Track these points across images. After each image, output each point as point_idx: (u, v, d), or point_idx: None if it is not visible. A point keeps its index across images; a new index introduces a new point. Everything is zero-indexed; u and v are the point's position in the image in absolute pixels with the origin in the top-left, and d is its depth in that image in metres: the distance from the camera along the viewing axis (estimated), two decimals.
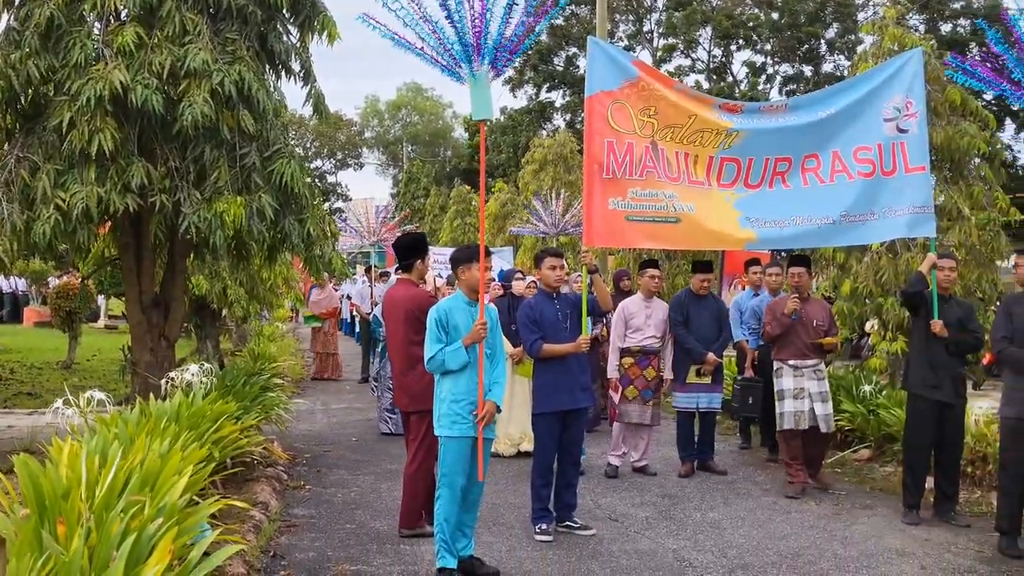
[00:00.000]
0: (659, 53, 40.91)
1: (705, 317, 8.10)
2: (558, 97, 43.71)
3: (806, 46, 39.82)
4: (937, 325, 6.50)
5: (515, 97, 70.80)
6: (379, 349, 10.40)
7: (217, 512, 5.34)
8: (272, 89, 8.30)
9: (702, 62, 42.09)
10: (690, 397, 8.11)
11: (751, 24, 39.71)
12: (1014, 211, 10.02)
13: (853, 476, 7.99)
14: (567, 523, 6.30)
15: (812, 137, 7.03)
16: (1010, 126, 40.39)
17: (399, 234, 11.60)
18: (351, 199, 55.79)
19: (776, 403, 7.56)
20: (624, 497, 7.28)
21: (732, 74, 42.17)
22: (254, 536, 5.66)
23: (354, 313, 18.50)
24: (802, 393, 7.41)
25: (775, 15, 39.82)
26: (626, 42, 41.04)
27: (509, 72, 40.83)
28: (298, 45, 8.54)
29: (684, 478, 7.98)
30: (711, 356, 7.96)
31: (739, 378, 8.91)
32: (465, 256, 5.45)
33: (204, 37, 7.44)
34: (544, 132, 40.30)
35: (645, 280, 8.13)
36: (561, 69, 42.40)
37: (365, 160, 68.78)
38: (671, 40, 40.85)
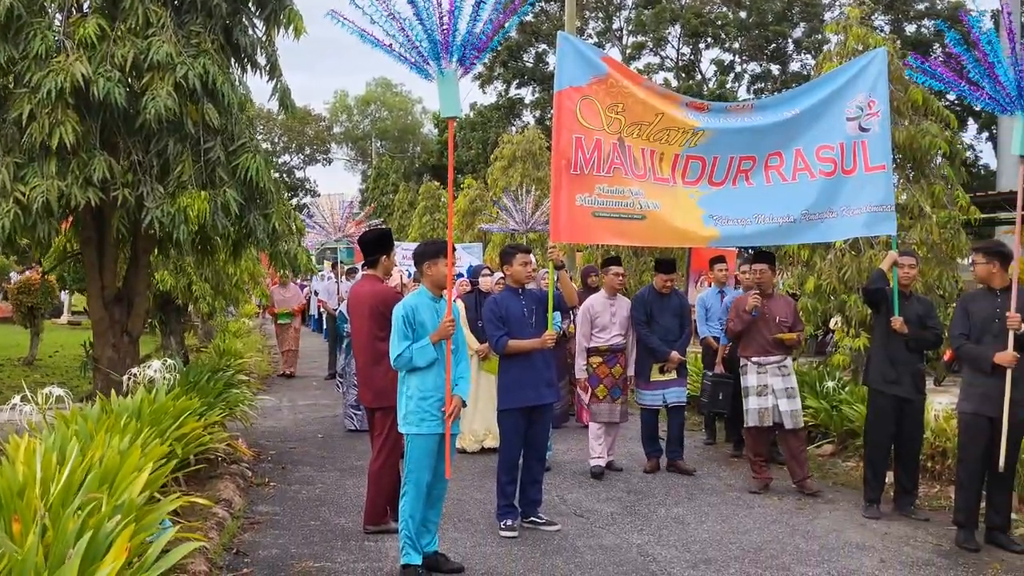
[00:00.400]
0: (628, 50, 41.04)
1: (668, 315, 8.05)
2: (528, 93, 43.78)
3: (774, 45, 40.13)
4: (897, 322, 6.57)
5: (485, 93, 70.71)
6: (344, 345, 10.36)
7: (180, 510, 5.32)
8: (237, 83, 8.24)
9: (671, 60, 42.29)
10: (655, 394, 8.08)
11: (719, 23, 39.94)
12: (974, 210, 10.16)
13: (816, 471, 8.05)
14: (532, 519, 6.30)
15: (776, 136, 7.08)
16: (972, 126, 41.03)
17: (365, 230, 11.53)
18: (319, 194, 55.55)
19: (743, 400, 7.57)
20: (589, 493, 7.31)
21: (701, 72, 42.41)
22: (217, 533, 5.62)
23: (321, 310, 18.44)
24: (766, 390, 7.39)
25: (743, 14, 40.07)
26: (596, 39, 41.11)
27: (479, 68, 40.84)
28: (264, 39, 8.48)
29: (649, 474, 8.00)
30: (674, 354, 7.92)
31: (709, 374, 8.91)
32: (431, 252, 5.39)
33: (168, 30, 7.37)
34: (513, 128, 40.33)
35: (609, 278, 8.09)
36: (531, 66, 42.41)
37: (334, 156, 68.45)
38: (640, 38, 41.00)
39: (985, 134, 40.47)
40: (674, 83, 39.79)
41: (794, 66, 39.55)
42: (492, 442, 8.62)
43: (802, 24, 39.29)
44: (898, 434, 6.72)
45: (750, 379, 7.48)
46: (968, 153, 39.50)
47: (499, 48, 40.11)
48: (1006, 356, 5.78)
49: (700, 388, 9.04)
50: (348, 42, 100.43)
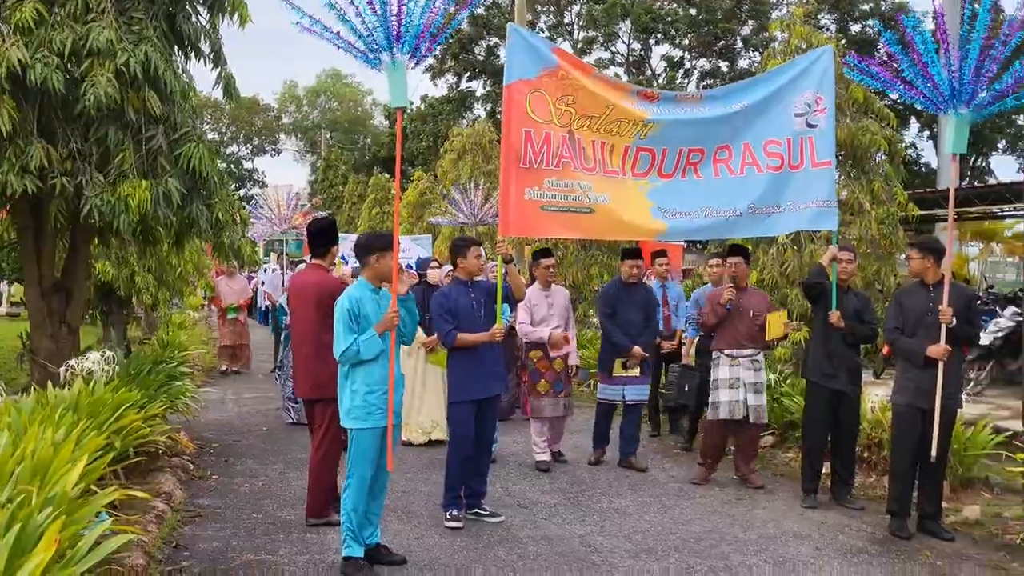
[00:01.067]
0: (579, 45, 41.09)
1: (633, 308, 7.97)
2: (479, 87, 43.66)
3: (722, 42, 40.48)
4: (834, 316, 6.68)
5: (435, 86, 70.71)
6: (283, 337, 10.26)
7: (118, 503, 5.26)
8: (180, 71, 8.10)
9: (621, 55, 42.46)
10: (615, 389, 8.00)
11: (670, 19, 40.17)
12: (912, 206, 10.39)
13: (757, 462, 8.17)
14: (476, 510, 6.33)
15: (725, 129, 7.13)
16: (914, 125, 41.86)
17: (314, 219, 11.39)
18: (267, 185, 54.94)
19: (712, 393, 7.53)
20: (533, 484, 7.35)
21: (651, 68, 42.65)
22: (156, 527, 5.56)
23: (267, 302, 18.23)
24: (737, 383, 7.37)
25: (693, 11, 40.35)
26: (547, 33, 41.06)
27: (430, 60, 40.63)
28: (208, 26, 8.34)
29: (594, 465, 8.04)
30: (636, 349, 7.82)
31: (676, 366, 8.91)
32: (379, 245, 5.35)
33: (108, 16, 7.22)
34: (464, 121, 40.23)
35: (540, 270, 8.01)
36: (482, 59, 42.28)
37: (283, 146, 67.65)
38: (591, 32, 41.08)
39: (927, 133, 41.33)
40: (624, 78, 39.92)
41: (742, 63, 39.95)
42: (439, 434, 8.62)
43: (750, 22, 39.70)
44: (835, 426, 6.87)
45: (722, 371, 7.43)
46: (910, 151, 40.34)
47: (450, 41, 39.97)
48: (938, 349, 5.90)
49: (665, 380, 8.99)
50: (297, 32, 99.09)
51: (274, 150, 66.75)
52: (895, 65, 6.14)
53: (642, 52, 42.45)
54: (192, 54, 8.42)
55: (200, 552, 5.44)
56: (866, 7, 37.91)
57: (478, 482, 6.39)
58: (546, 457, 7.94)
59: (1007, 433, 7.53)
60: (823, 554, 5.67)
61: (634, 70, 41.19)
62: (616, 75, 39.49)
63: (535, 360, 7.88)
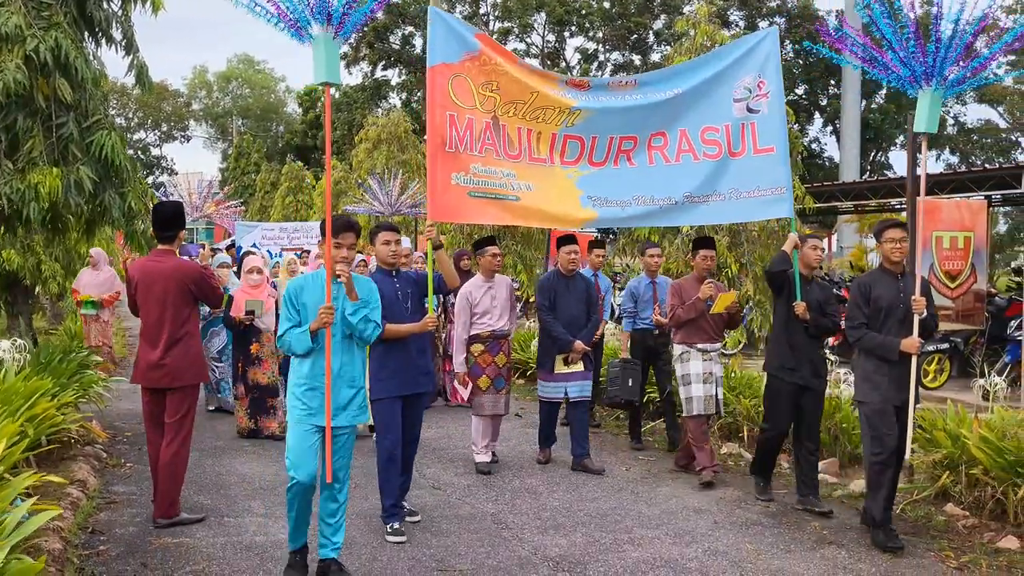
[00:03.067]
0: (495, 36, 41.34)
1: (573, 300, 7.59)
2: (394, 75, 43.57)
3: (635, 36, 41.24)
4: (800, 307, 6.31)
5: (350, 74, 69.96)
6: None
7: (31, 490, 5.27)
8: (92, 58, 8.05)
9: (536, 47, 42.87)
10: (557, 386, 7.59)
11: (584, 12, 40.73)
12: (809, 199, 10.91)
13: (662, 442, 8.54)
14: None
15: (660, 115, 6.94)
16: (818, 120, 43.32)
17: (162, 203, 11.15)
18: (177, 173, 53.78)
19: (682, 388, 7.21)
20: (448, 468, 7.55)
21: (565, 60, 43.15)
22: (72, 513, 5.59)
23: None
24: (710, 378, 7.16)
25: (607, 4, 41.00)
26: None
27: (345, 48, 40.37)
28: (120, 13, 8.30)
29: (542, 465, 7.70)
30: (578, 344, 7.44)
31: (617, 360, 8.41)
32: (322, 230, 5.02)
33: (17, 1, 7.16)
34: (379, 110, 40.11)
35: (486, 259, 7.52)
36: (397, 47, 42.22)
37: (192, 133, 66.26)
38: (506, 24, 41.38)
39: (830, 128, 42.82)
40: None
41: (655, 56, 40.70)
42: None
43: (662, 16, 40.52)
44: (797, 421, 6.51)
45: (693, 366, 7.16)
46: (813, 146, 41.74)
47: (365, 28, 39.78)
48: (914, 343, 5.61)
49: (607, 375, 8.44)
50: (207, 17, 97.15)
51: (183, 137, 65.36)
52: (861, 42, 5.92)
53: (557, 44, 42.88)
54: (103, 41, 8.38)
55: (117, 537, 5.50)
56: (773, 4, 39.05)
57: (403, 478, 5.97)
58: (486, 459, 7.55)
59: None
60: (720, 527, 6.01)
61: (549, 62, 41.57)
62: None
63: (476, 355, 7.44)
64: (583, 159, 6.94)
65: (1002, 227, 38.71)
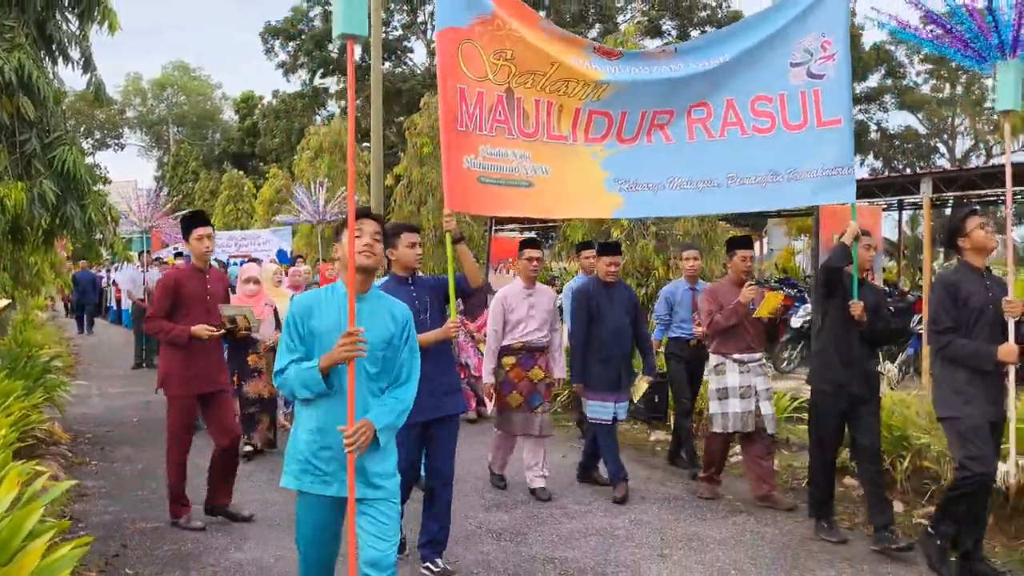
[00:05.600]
0: (433, 45, 41.80)
1: (618, 310, 6.81)
2: (333, 83, 43.70)
3: None
4: (857, 307, 5.54)
5: (288, 82, 69.58)
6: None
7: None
8: (52, 76, 8.44)
9: None
10: (605, 406, 6.75)
11: None
12: None
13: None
14: (429, 565, 5.08)
15: (702, 85, 6.04)
16: None
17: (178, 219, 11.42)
18: (111, 181, 53.01)
19: (716, 403, 6.59)
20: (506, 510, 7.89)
21: None
22: (47, 505, 6.01)
23: (121, 300, 18.17)
24: (750, 391, 6.49)
25: (543, 13, 41.77)
26: (400, 31, 41.61)
27: (281, 56, 40.52)
28: (78, 33, 8.70)
29: (621, 504, 6.65)
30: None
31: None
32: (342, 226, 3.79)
33: None
34: (318, 118, 40.32)
35: (522, 264, 6.84)
36: (336, 55, 42.39)
37: (127, 141, 65.45)
38: None
39: None
40: None
41: None
42: None
43: (597, 25, 41.41)
44: (853, 444, 5.80)
45: (730, 379, 6.54)
46: None
47: (303, 36, 40.04)
48: (1013, 350, 4.88)
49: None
50: (137, 25, 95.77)
51: (117, 145, 64.54)
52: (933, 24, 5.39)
53: None
54: (61, 59, 8.77)
55: (95, 524, 5.96)
56: (704, 14, 40.26)
57: (435, 526, 5.12)
58: (501, 472, 7.12)
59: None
60: (646, 500, 6.71)
61: None
62: None
63: (507, 368, 6.73)
64: (610, 135, 6.06)
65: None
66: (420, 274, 5.33)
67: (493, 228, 15.07)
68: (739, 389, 6.49)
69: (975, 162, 38.12)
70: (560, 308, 7.97)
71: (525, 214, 6.02)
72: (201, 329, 5.83)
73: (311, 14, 40.39)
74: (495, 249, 13.49)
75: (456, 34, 5.55)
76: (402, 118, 34.56)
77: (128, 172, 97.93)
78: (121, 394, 11.98)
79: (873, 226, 11.57)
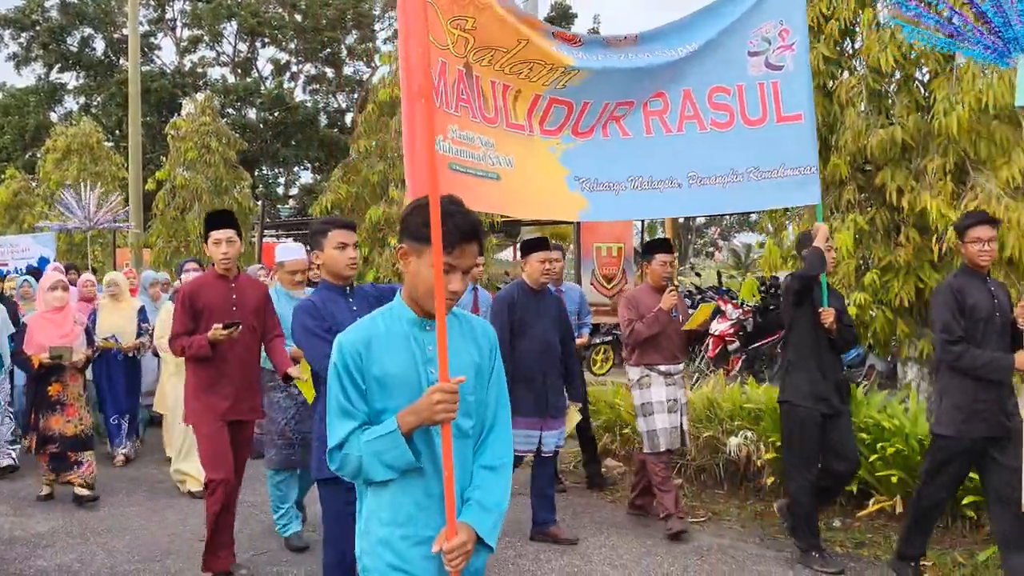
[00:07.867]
0: (183, 44, 40.23)
1: (545, 323, 5.96)
2: (72, 79, 40.90)
3: (328, 49, 41.76)
4: (828, 314, 5.24)
5: (20, 75, 64.46)
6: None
7: None
8: None
9: (227, 56, 42.13)
10: (530, 436, 5.87)
11: (276, 24, 40.66)
12: None
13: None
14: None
15: (663, 74, 5.55)
16: None
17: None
18: None
19: (641, 420, 6.07)
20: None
21: (258, 70, 42.78)
22: None
23: None
24: (675, 405, 6.03)
25: (299, 17, 41.20)
26: (147, 27, 39.62)
27: (13, 48, 37.49)
28: None
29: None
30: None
31: None
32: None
33: None
34: (54, 115, 37.70)
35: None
36: (75, 50, 39.70)
37: None
38: (196, 31, 40.35)
39: None
40: (231, 79, 39.86)
41: (348, 70, 41.53)
42: (197, 486, 6.94)
43: (355, 31, 41.42)
44: (825, 457, 5.43)
45: (655, 392, 6.00)
46: None
47: (38, 28, 37.28)
48: None
49: None
50: None
51: None
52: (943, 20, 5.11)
53: (249, 54, 42.49)
54: None
55: None
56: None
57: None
58: None
59: None
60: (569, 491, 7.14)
61: (240, 71, 41.14)
62: (223, 76, 39.28)
63: None
64: (566, 128, 5.47)
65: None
66: (357, 284, 4.35)
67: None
68: (666, 403, 5.99)
69: None
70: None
71: (497, 211, 5.49)
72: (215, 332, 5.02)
73: (47, 3, 37.56)
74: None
75: None
76: (149, 118, 33.05)
77: None
78: None
79: (625, 234, 12.93)
